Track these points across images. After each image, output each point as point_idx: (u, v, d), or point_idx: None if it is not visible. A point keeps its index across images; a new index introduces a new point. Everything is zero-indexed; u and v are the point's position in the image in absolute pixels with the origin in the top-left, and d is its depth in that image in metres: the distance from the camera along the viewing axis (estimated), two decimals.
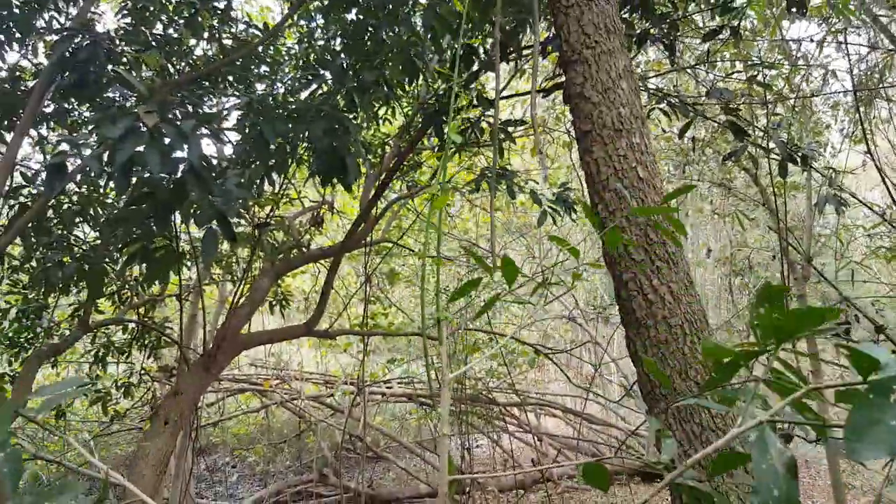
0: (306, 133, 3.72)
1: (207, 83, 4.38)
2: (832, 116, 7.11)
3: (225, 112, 4.18)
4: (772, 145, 4.11)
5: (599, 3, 2.31)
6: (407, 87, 4.83)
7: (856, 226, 6.59)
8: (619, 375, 7.96)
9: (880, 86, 5.69)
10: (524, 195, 4.59)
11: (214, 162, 3.93)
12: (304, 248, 4.90)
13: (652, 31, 4.19)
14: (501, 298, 1.62)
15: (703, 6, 4.49)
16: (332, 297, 7.06)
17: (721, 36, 4.22)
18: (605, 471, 0.96)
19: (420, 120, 4.84)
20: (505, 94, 5.07)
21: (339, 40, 4.64)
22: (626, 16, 4.24)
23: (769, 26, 5.59)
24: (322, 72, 4.39)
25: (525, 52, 4.59)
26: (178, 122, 2.46)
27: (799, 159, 4.01)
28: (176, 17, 4.51)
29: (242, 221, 4.02)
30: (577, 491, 6.02)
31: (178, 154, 2.49)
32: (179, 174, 2.58)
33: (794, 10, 3.98)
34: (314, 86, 4.35)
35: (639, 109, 2.24)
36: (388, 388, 6.38)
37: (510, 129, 4.49)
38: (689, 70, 5.05)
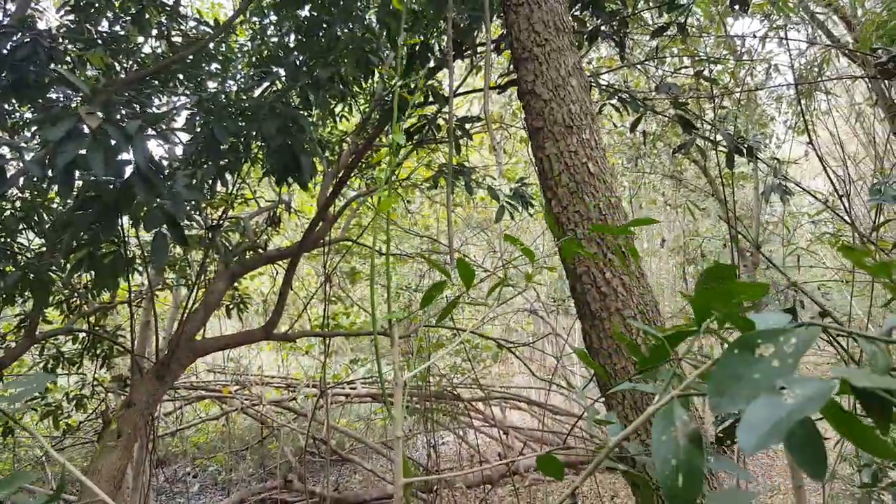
0: (259, 131, 3.66)
1: (156, 82, 4.27)
2: (776, 109, 7.37)
3: (174, 111, 4.07)
4: (719, 138, 4.24)
5: (549, 1, 2.34)
6: (363, 83, 4.80)
7: (801, 213, 6.85)
8: (581, 366, 8.10)
9: (819, 79, 5.92)
10: (482, 191, 4.62)
11: (164, 163, 3.83)
12: (260, 249, 4.82)
13: (603, 28, 4.26)
14: (460, 302, 1.62)
15: (651, 3, 4.59)
16: (292, 298, 6.97)
17: (669, 32, 4.32)
18: (558, 461, 0.98)
19: (377, 116, 4.82)
20: (461, 90, 5.09)
21: (292, 37, 4.57)
22: (578, 13, 4.30)
23: (714, 23, 5.75)
24: (275, 69, 4.33)
25: (480, 48, 4.61)
26: (123, 123, 2.39)
27: (745, 151, 4.14)
28: (122, 14, 4.37)
29: (195, 223, 3.93)
30: (544, 483, 6.10)
31: (124, 156, 2.42)
32: (126, 177, 2.50)
33: (736, 7, 4.11)
34: (267, 83, 4.29)
35: (588, 106, 2.28)
36: (351, 388, 6.34)
37: (467, 125, 4.51)
38: (639, 66, 5.15)
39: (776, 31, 5.53)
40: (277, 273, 5.76)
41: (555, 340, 6.86)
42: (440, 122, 4.50)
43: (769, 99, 7.21)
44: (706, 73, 4.53)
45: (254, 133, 3.78)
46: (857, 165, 7.62)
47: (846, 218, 4.47)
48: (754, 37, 5.68)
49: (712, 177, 5.73)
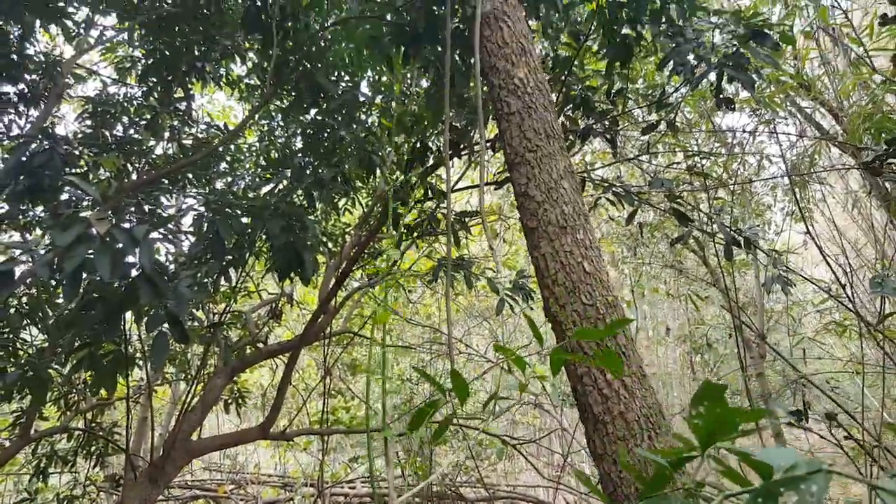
0: (264, 230, 3.76)
1: (166, 181, 4.43)
2: (772, 198, 7.53)
3: (182, 213, 4.20)
4: (715, 229, 4.32)
5: (538, 111, 2.47)
6: (366, 180, 4.97)
7: (806, 301, 6.83)
8: (591, 462, 7.79)
9: (812, 171, 6.09)
10: (483, 281, 4.66)
11: (170, 260, 3.91)
12: (261, 344, 4.80)
13: (594, 126, 4.45)
14: (455, 418, 1.61)
15: (640, 104, 4.81)
16: (292, 393, 6.86)
17: (660, 129, 4.51)
18: None
19: (379, 210, 4.95)
20: (459, 186, 5.25)
21: (298, 138, 4.79)
22: (570, 113, 4.50)
23: (704, 118, 6.00)
24: (281, 170, 4.50)
25: (477, 147, 4.80)
26: (131, 227, 2.47)
27: (742, 242, 4.21)
28: (137, 119, 4.61)
29: (197, 320, 3.95)
30: None
31: (130, 259, 2.48)
32: (131, 278, 2.55)
33: (723, 106, 4.31)
34: (272, 182, 4.45)
35: (581, 206, 2.35)
36: (350, 488, 6.10)
37: (465, 219, 4.62)
38: (632, 161, 5.33)
39: (765, 125, 5.75)
40: (277, 366, 5.71)
41: (561, 435, 6.67)
42: (439, 215, 4.62)
43: (765, 188, 7.39)
44: (698, 166, 4.68)
45: (259, 231, 3.89)
46: (857, 252, 7.67)
47: (850, 307, 4.47)
48: (744, 131, 5.92)
49: (712, 266, 5.78)
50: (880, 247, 5.90)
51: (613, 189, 4.49)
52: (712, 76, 3.52)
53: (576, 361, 2.05)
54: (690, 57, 3.52)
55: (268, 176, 4.34)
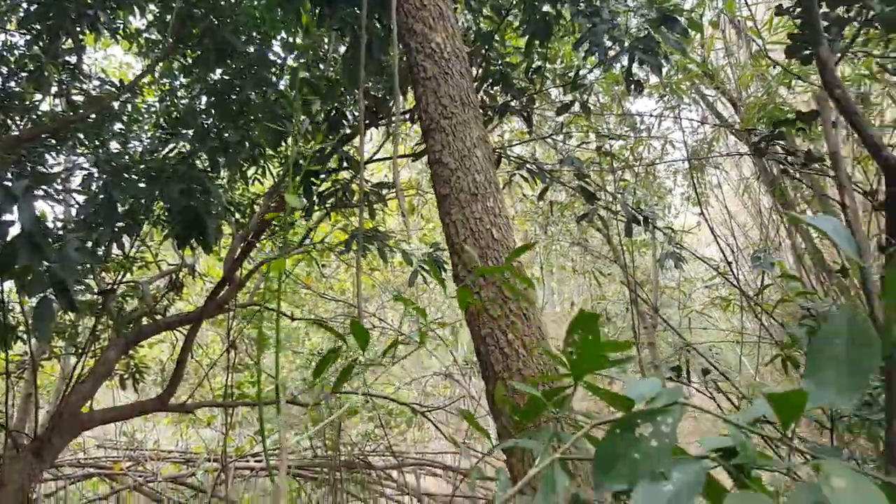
0: (162, 193, 3.55)
1: (53, 140, 4.08)
2: (672, 182, 7.97)
3: (70, 171, 3.89)
4: (618, 208, 4.52)
5: (455, 77, 2.46)
6: (276, 148, 4.79)
7: (696, 279, 7.32)
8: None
9: (709, 155, 6.48)
10: (398, 255, 4.64)
11: (58, 226, 3.62)
12: (159, 315, 4.57)
13: (512, 103, 4.51)
14: (358, 365, 1.61)
15: (556, 83, 4.92)
16: (195, 368, 6.59)
17: (574, 110, 4.63)
18: None
19: (290, 180, 4.80)
20: (378, 157, 5.18)
21: (203, 99, 4.53)
22: (490, 88, 4.54)
23: (615, 101, 6.23)
24: (183, 131, 4.25)
25: (394, 115, 4.74)
26: (9, 183, 2.26)
27: (642, 220, 4.43)
28: (18, 70, 4.19)
29: (87, 288, 3.69)
30: None
31: (8, 217, 2.27)
32: (9, 238, 2.34)
33: (633, 88, 4.48)
34: (172, 144, 4.19)
35: (492, 175, 2.38)
36: (257, 461, 5.98)
37: (382, 191, 4.57)
38: (547, 140, 5.46)
39: (671, 111, 6.06)
40: (178, 341, 5.47)
41: (469, 403, 6.84)
42: (354, 186, 4.54)
43: (667, 173, 7.80)
44: (607, 147, 4.87)
45: (156, 195, 3.66)
46: (745, 234, 8.28)
47: (734, 283, 4.85)
48: (651, 116, 6.20)
49: (615, 244, 6.07)
50: (765, 229, 6.39)
51: (528, 166, 4.59)
52: (625, 59, 3.65)
53: (480, 323, 2.09)
54: (605, 38, 3.63)
55: (168, 137, 4.08)
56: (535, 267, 8.79)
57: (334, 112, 4.31)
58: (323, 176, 4.55)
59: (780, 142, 2.47)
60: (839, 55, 2.04)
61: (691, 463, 0.65)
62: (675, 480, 0.62)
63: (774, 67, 4.63)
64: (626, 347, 0.95)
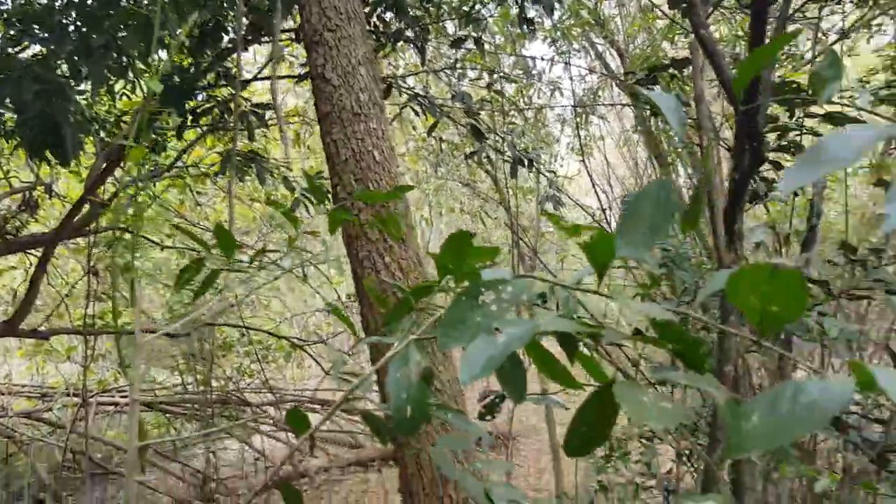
0: (12, 97, 3.14)
1: None
2: (560, 131, 8.21)
3: None
4: (506, 148, 4.60)
5: None
6: (148, 59, 4.35)
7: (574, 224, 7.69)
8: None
9: (593, 103, 6.72)
10: (280, 185, 4.45)
11: None
12: (9, 236, 4.12)
13: (407, 32, 4.38)
14: (225, 269, 1.54)
15: (451, 15, 4.83)
16: (52, 296, 6.07)
17: (468, 45, 4.58)
18: (304, 415, 0.99)
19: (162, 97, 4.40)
20: (261, 76, 4.88)
21: None
22: (382, 14, 4.37)
23: (511, 42, 6.24)
24: (38, 30, 3.74)
25: (282, 35, 4.46)
26: None
27: (527, 163, 4.54)
28: None
29: None
30: (334, 483, 6.03)
31: None
32: None
33: (525, 26, 4.50)
34: (25, 42, 3.68)
35: (377, 96, 2.31)
36: (122, 396, 5.67)
37: (262, 112, 4.31)
38: (440, 74, 5.39)
39: (561, 57, 6.16)
40: (31, 265, 4.97)
41: (349, 338, 6.86)
42: (233, 106, 4.26)
43: (556, 122, 8.01)
44: (498, 87, 4.89)
45: (6, 98, 3.23)
46: (622, 184, 8.77)
47: (607, 228, 5.14)
48: (542, 59, 6.28)
49: (501, 187, 6.21)
50: (640, 180, 6.80)
51: (419, 99, 4.52)
52: None
53: (358, 246, 2.06)
54: None
55: (20, 34, 3.58)
56: (426, 208, 8.84)
57: (213, 23, 3.97)
58: (198, 93, 4.23)
59: (654, 86, 2.59)
60: (711, 3, 2.15)
61: (525, 322, 0.69)
62: (507, 334, 0.67)
63: (661, 20, 4.82)
64: (494, 254, 0.96)
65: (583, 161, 6.25)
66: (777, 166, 2.56)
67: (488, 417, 1.94)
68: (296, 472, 5.61)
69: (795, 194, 2.84)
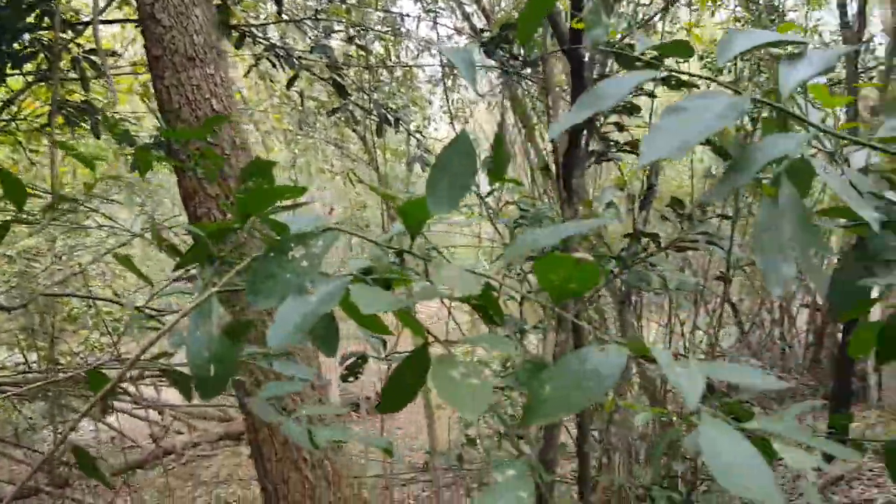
0: None
1: None
2: (431, 93, 8.18)
3: None
4: (372, 107, 4.49)
5: None
6: None
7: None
8: None
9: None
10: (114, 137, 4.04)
11: None
12: None
13: None
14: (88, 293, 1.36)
15: None
16: None
17: None
18: (104, 375, 0.92)
19: None
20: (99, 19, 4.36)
21: None
22: None
23: None
24: None
25: None
26: None
27: (393, 121, 4.48)
28: None
29: None
30: (202, 458, 5.79)
31: None
32: None
33: None
34: None
35: (215, 41, 2.14)
36: None
37: (97, 58, 3.87)
38: (301, 26, 5.13)
39: (428, 14, 6.09)
40: None
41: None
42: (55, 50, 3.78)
43: (427, 83, 7.95)
44: (362, 42, 4.74)
45: None
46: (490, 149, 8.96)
47: (476, 192, 5.25)
48: (409, 17, 6.18)
49: (369, 146, 6.11)
50: (511, 145, 6.97)
51: (276, 50, 4.27)
52: None
53: (196, 202, 1.93)
54: None
55: None
56: (295, 170, 8.49)
57: None
58: (21, 34, 3.70)
59: (506, 45, 2.62)
60: None
61: (335, 279, 0.68)
62: (319, 293, 0.65)
63: None
64: (300, 193, 0.92)
65: (451, 123, 6.30)
66: (619, 128, 2.70)
67: (351, 379, 1.92)
68: (160, 450, 5.31)
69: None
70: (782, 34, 0.66)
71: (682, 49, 0.69)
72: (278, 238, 0.74)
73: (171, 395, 7.49)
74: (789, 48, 0.69)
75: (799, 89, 0.84)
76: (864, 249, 1.07)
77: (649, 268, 2.71)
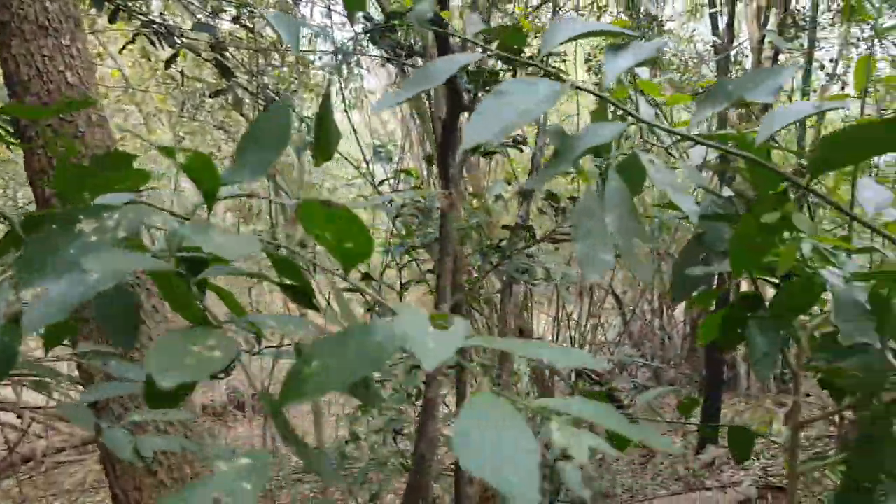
0: None
1: None
2: (324, 79, 8.01)
3: None
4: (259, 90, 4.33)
5: None
6: None
7: (340, 176, 7.70)
8: None
9: (358, 53, 6.65)
10: None
11: None
12: None
13: None
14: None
15: None
16: None
17: None
18: None
19: None
20: None
21: None
22: None
23: None
24: None
25: None
26: None
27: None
28: None
29: None
30: (67, 464, 5.36)
31: None
32: None
33: None
34: None
35: (72, 10, 1.97)
36: None
37: None
38: (186, 4, 4.85)
39: (322, 1, 5.94)
40: None
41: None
42: None
43: (321, 69, 7.77)
44: (249, 24, 4.54)
45: None
46: (390, 138, 8.92)
47: (370, 180, 5.24)
48: (303, 1, 6.00)
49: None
50: (408, 131, 6.99)
51: (154, 27, 4.00)
52: None
53: (45, 183, 1.77)
54: None
55: None
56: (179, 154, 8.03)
57: None
58: None
59: (391, 35, 2.62)
60: None
61: (118, 255, 0.61)
62: (101, 271, 0.59)
63: None
64: (144, 180, 0.86)
65: (346, 111, 6.21)
66: None
67: (221, 376, 1.85)
68: (17, 456, 4.85)
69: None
70: (606, 25, 0.70)
71: (515, 36, 0.72)
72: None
73: (32, 396, 6.87)
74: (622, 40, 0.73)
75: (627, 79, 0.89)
76: (700, 241, 1.17)
77: (530, 260, 2.82)
